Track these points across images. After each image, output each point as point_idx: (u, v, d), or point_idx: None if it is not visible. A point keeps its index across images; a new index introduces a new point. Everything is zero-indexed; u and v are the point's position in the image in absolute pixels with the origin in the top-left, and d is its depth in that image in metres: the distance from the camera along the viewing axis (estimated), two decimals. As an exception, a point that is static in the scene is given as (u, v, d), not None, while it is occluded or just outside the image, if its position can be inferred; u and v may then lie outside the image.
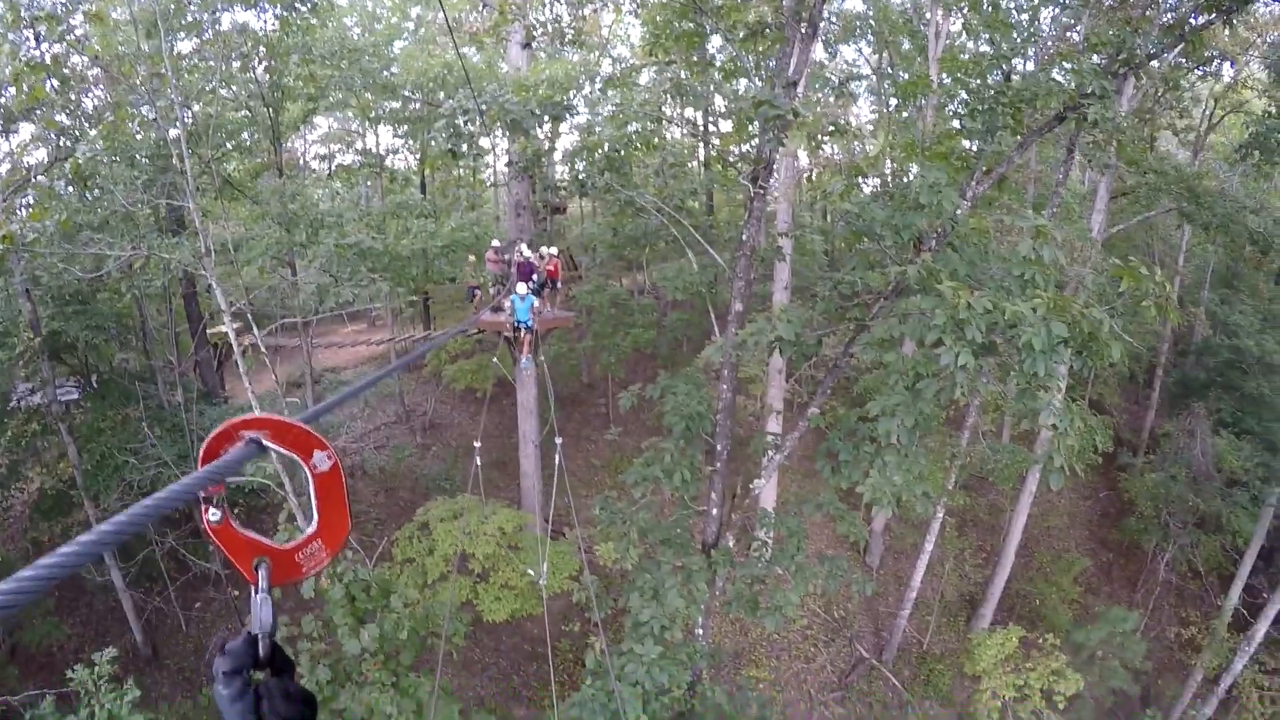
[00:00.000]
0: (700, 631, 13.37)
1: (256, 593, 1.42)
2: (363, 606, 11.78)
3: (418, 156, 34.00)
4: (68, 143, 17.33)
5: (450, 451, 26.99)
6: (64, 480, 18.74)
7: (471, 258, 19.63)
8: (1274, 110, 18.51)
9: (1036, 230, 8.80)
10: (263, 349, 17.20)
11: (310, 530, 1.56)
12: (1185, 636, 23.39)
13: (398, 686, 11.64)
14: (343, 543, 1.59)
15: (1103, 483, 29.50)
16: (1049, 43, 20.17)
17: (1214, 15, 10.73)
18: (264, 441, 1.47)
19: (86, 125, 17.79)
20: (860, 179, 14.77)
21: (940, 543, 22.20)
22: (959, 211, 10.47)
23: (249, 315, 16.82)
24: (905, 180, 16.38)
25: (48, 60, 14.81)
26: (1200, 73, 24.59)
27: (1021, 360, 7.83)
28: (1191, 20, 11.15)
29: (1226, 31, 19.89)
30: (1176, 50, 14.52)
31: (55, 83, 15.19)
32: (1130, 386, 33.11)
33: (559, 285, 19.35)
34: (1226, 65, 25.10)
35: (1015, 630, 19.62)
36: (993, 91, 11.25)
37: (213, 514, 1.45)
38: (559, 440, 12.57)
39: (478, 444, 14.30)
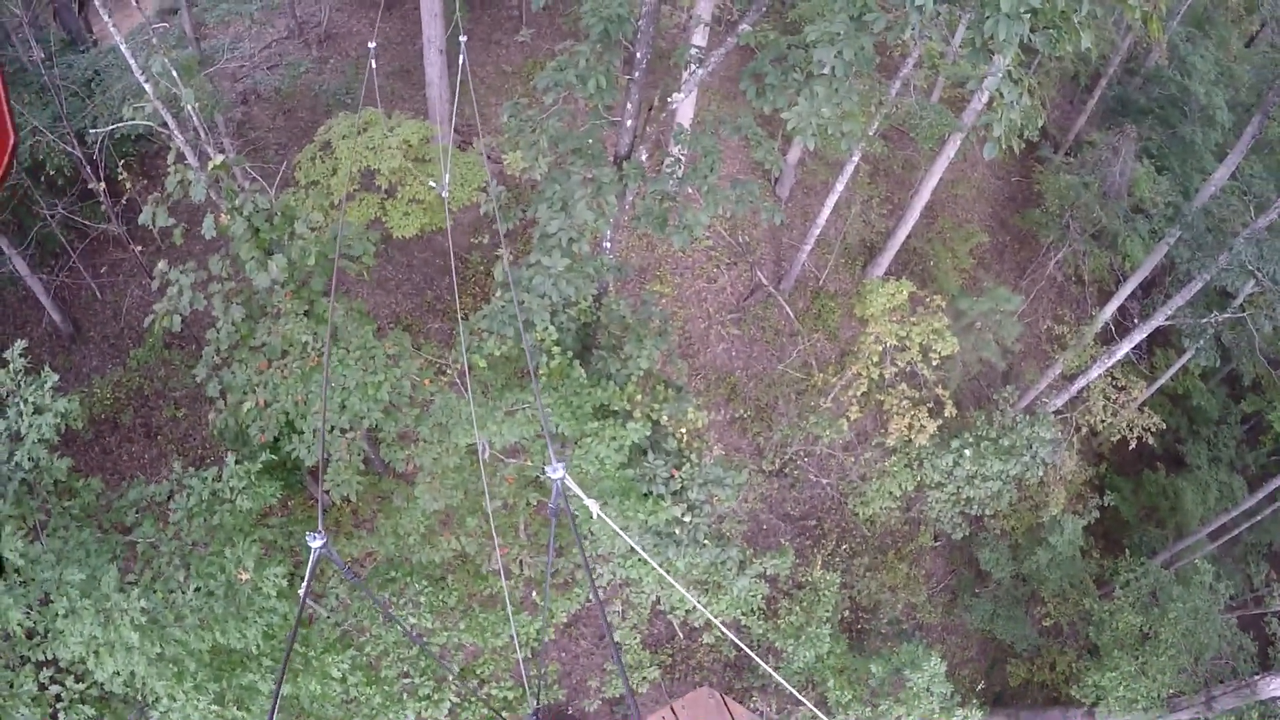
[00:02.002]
0: (608, 245, 13.45)
1: None
2: (267, 237, 11.38)
3: None
4: None
5: (350, 63, 25.05)
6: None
7: None
8: None
9: None
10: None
11: None
12: (1056, 332, 25.29)
13: (311, 314, 11.62)
14: (9, 158, 1.17)
15: (1017, 169, 29.96)
16: None
17: None
18: None
19: None
20: None
21: (851, 186, 22.42)
22: None
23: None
24: None
25: None
26: None
27: (983, 16, 7.24)
28: None
29: None
30: None
31: None
32: (1070, 85, 32.49)
33: None
34: None
35: (907, 284, 20.53)
36: None
37: None
38: (464, 39, 11.62)
39: (372, 45, 13.24)
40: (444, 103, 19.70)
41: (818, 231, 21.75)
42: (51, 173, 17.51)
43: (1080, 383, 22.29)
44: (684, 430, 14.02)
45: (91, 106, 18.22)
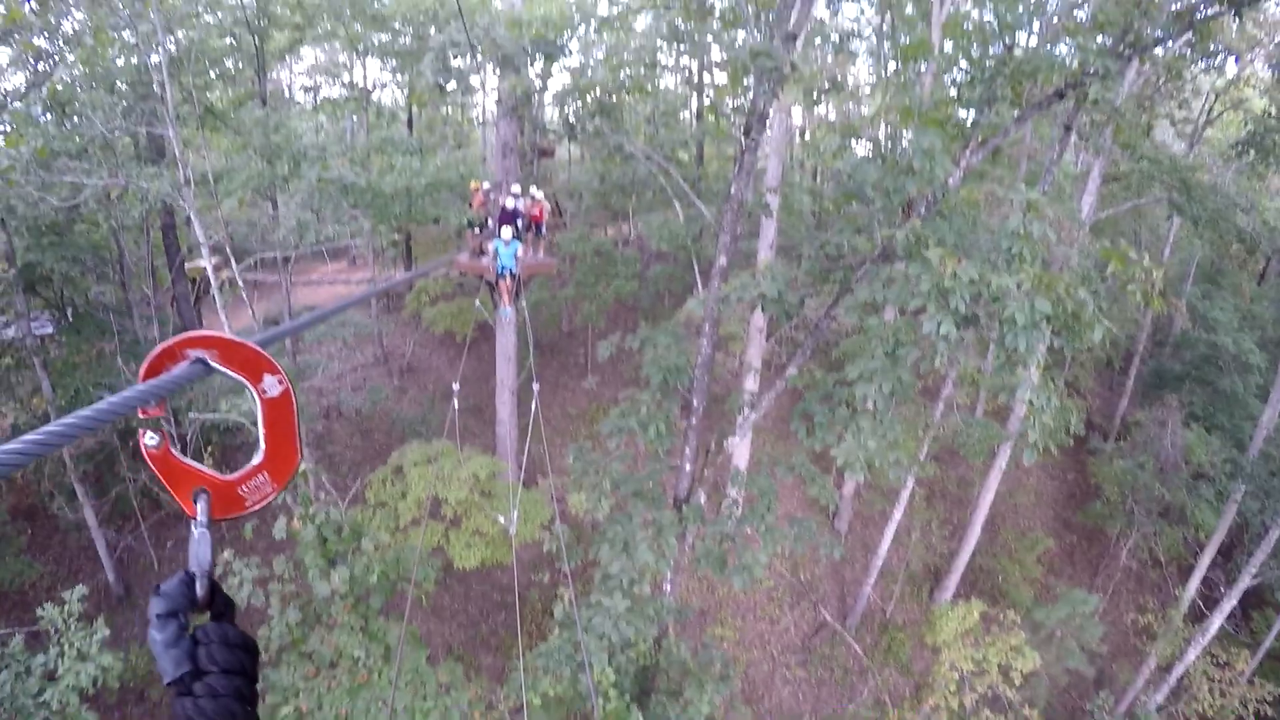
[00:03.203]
0: (668, 587, 13.44)
1: (195, 528, 1.31)
2: (334, 548, 11.76)
3: (405, 92, 33.36)
4: (45, 67, 16.82)
5: (427, 395, 26.83)
6: (38, 416, 18.42)
7: (475, 184, 19.21)
8: (1274, 111, 18.47)
9: (1028, 205, 8.69)
10: (240, 284, 16.94)
11: (256, 461, 1.44)
12: (1142, 623, 23.78)
13: (366, 630, 11.67)
14: (291, 476, 1.47)
15: (1071, 465, 29.82)
16: (1054, 18, 19.93)
17: (1224, 6, 10.58)
18: (210, 361, 1.37)
19: (65, 49, 17.27)
20: (853, 140, 14.61)
21: (908, 512, 22.42)
22: (951, 180, 10.37)
23: (228, 249, 16.54)
24: (899, 144, 16.21)
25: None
26: (1204, 65, 24.40)
27: (1003, 334, 7.80)
28: (1201, 9, 10.99)
29: (1235, 26, 19.76)
30: (1183, 39, 14.36)
31: (33, 3, 14.71)
32: (1106, 372, 33.40)
33: (544, 230, 19.09)
34: (1231, 60, 24.89)
35: (977, 604, 19.88)
36: (994, 62, 11.10)
37: (150, 438, 1.35)
38: (536, 387, 12.49)
39: (456, 387, 14.17)
40: (513, 441, 20.66)
41: (880, 562, 21.47)
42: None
43: (1178, 670, 20.64)
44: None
45: (191, 391, 19.42)
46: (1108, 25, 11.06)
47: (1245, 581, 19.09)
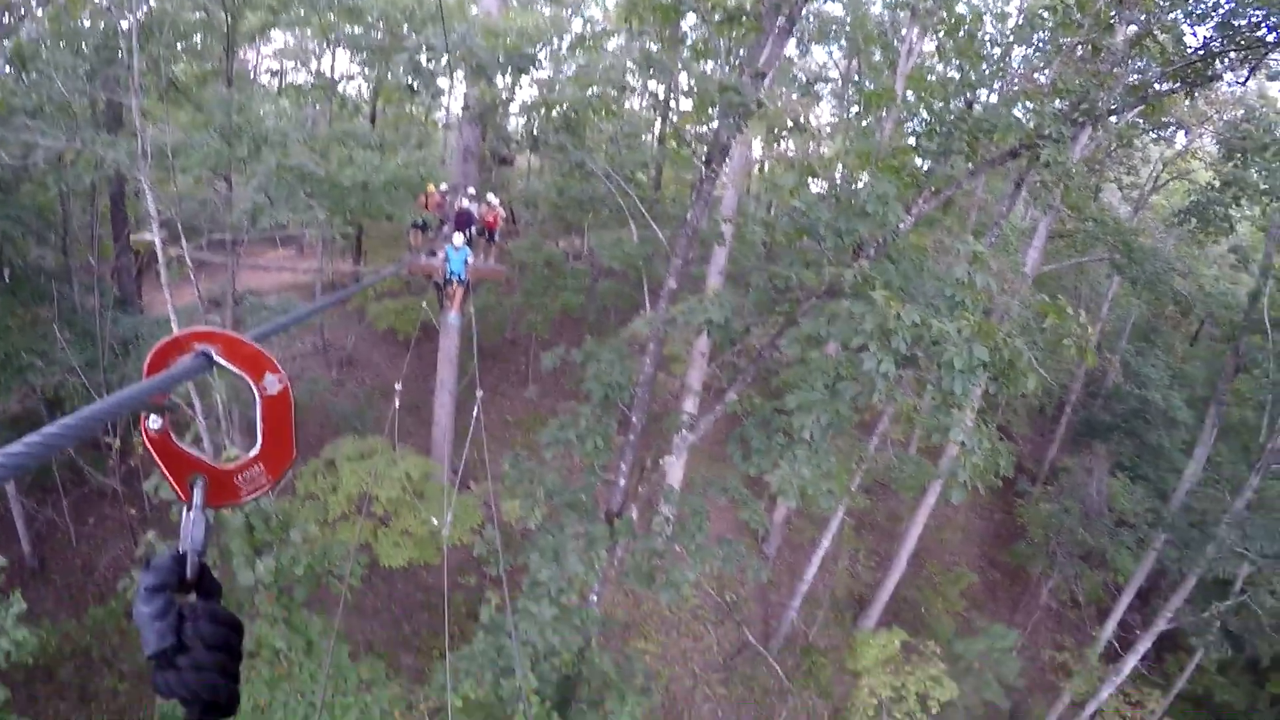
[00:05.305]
0: (595, 598, 13.56)
1: (189, 510, 1.34)
2: (261, 537, 11.65)
3: (372, 87, 33.11)
4: (12, 19, 16.45)
5: (364, 390, 26.59)
6: (-37, 376, 17.90)
7: (430, 186, 19.14)
8: (1217, 184, 19.36)
9: (973, 255, 9.07)
10: (189, 262, 16.72)
11: (253, 453, 1.49)
12: (1059, 660, 24.49)
13: (289, 622, 11.58)
14: (285, 470, 1.53)
15: (999, 505, 30.67)
16: (1015, 80, 20.59)
17: (1179, 85, 11.15)
18: (215, 356, 1.42)
19: (34, 4, 16.92)
20: (811, 179, 14.97)
21: (837, 540, 22.84)
22: (902, 225, 10.75)
23: (178, 225, 16.31)
24: (854, 187, 16.66)
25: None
26: (1155, 135, 25.47)
27: (941, 377, 8.12)
28: (1156, 85, 11.54)
29: (1187, 102, 20.67)
30: (1136, 110, 15.03)
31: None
32: (1038, 419, 34.39)
33: (496, 237, 19.16)
34: (1181, 133, 26.04)
35: (899, 633, 20.35)
36: (953, 116, 11.53)
37: (153, 421, 1.37)
38: (480, 393, 12.55)
39: (398, 387, 14.13)
40: (449, 443, 20.60)
41: (805, 588, 21.82)
42: (70, 411, 17.84)
43: (1091, 707, 21.28)
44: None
45: (126, 365, 19.12)
46: (1066, 92, 11.57)
47: (1161, 625, 19.85)
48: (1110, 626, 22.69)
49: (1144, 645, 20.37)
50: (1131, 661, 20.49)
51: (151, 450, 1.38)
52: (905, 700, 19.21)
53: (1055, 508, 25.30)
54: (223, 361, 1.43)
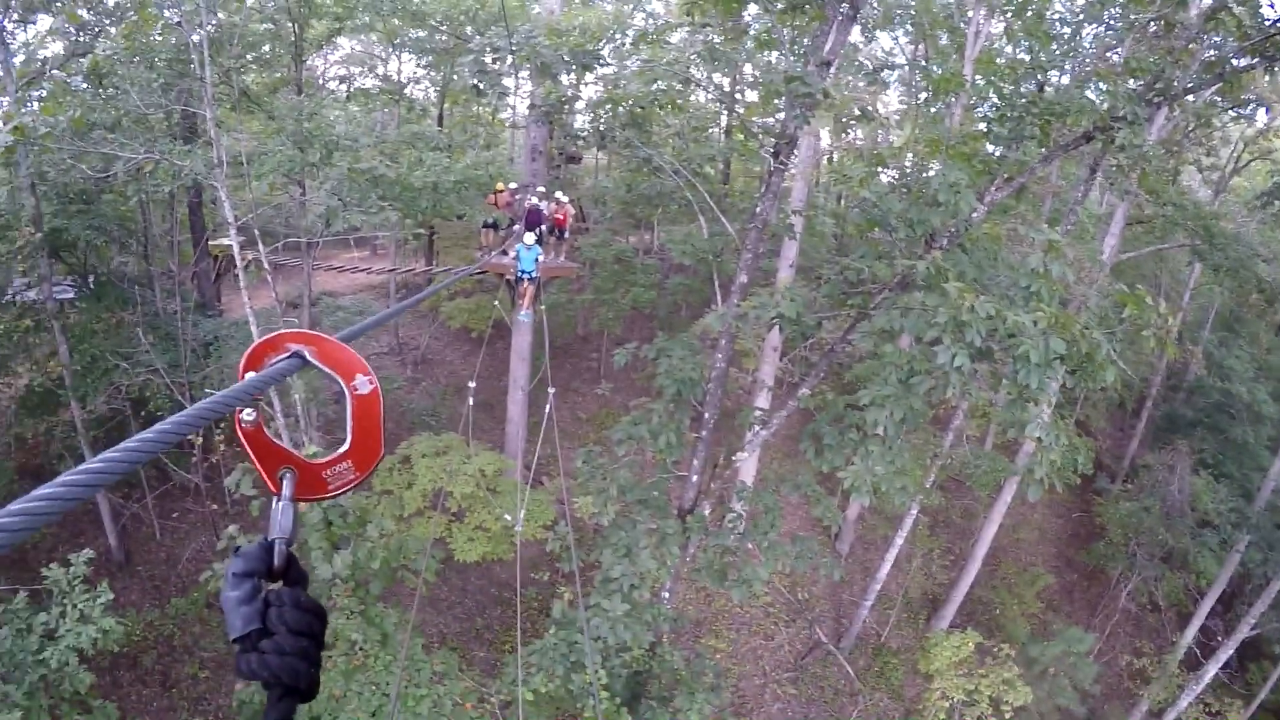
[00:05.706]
0: (666, 595, 13.56)
1: (278, 500, 1.38)
2: (338, 532, 11.88)
3: (438, 89, 33.62)
4: (87, 38, 17.01)
5: (439, 388, 27.01)
6: (53, 379, 18.60)
7: (500, 185, 19.34)
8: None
9: (1049, 245, 8.81)
10: (266, 265, 17.16)
11: (342, 449, 1.52)
12: (1136, 666, 23.66)
13: (365, 615, 11.79)
14: (373, 467, 1.56)
15: (1077, 504, 29.78)
16: (1087, 60, 19.97)
17: (1257, 60, 10.68)
18: (308, 356, 1.48)
19: (107, 22, 17.47)
20: (880, 168, 14.71)
21: (911, 539, 22.45)
22: (974, 214, 10.49)
23: (255, 231, 16.75)
24: (925, 176, 16.35)
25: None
26: (1234, 114, 24.48)
27: (1016, 370, 7.90)
28: (1233, 61, 11.08)
29: (1267, 78, 19.82)
30: (1214, 88, 14.43)
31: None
32: (1118, 414, 33.36)
33: (566, 234, 19.26)
34: (1261, 111, 24.97)
35: (973, 635, 19.91)
36: (1024, 100, 11.23)
37: (247, 414, 1.40)
38: (551, 390, 12.62)
39: (472, 384, 14.28)
40: (522, 440, 20.80)
41: (878, 586, 21.51)
42: (154, 411, 18.73)
43: (1170, 716, 20.60)
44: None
45: (207, 365, 19.82)
46: (1139, 71, 11.17)
47: (1244, 632, 19.08)
48: (1191, 632, 21.96)
49: (1226, 652, 19.60)
50: (1213, 669, 19.74)
51: (245, 442, 1.42)
52: (978, 704, 18.81)
53: (1135, 507, 24.42)
54: (316, 362, 1.49)
